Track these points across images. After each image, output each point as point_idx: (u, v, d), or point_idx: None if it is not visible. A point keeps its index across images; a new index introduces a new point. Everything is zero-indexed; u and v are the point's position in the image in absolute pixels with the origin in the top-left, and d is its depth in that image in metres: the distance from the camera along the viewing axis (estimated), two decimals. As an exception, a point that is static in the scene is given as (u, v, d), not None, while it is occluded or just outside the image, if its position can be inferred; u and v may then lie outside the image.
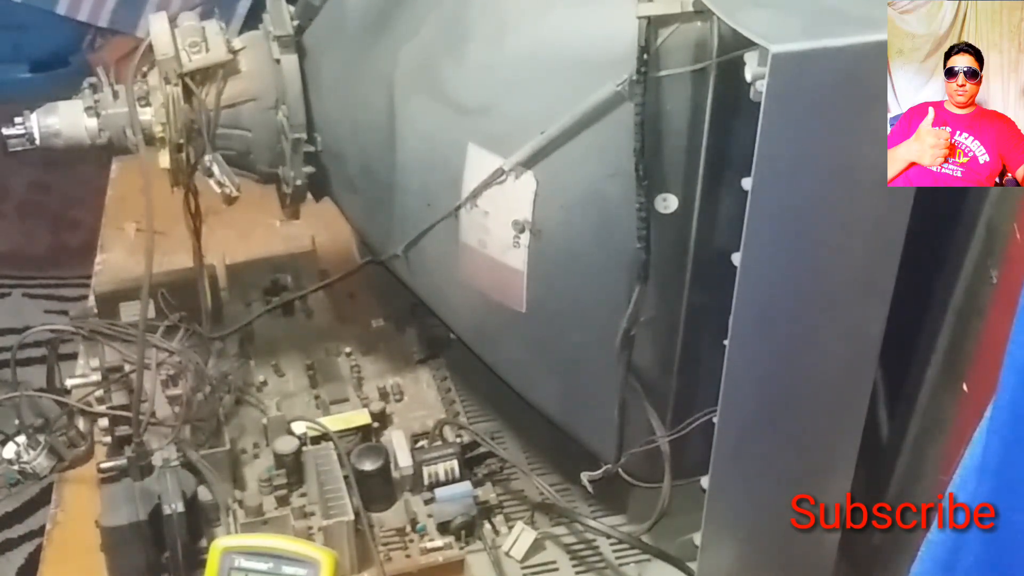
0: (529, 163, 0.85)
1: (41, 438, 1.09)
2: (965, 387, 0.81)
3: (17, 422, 1.08)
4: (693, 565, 0.91)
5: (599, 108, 0.80)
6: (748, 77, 0.72)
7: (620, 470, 0.93)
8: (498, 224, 0.88)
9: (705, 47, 0.77)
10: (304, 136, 1.01)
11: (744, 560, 0.88)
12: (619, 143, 0.79)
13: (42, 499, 1.15)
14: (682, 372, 0.89)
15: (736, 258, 0.76)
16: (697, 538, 0.87)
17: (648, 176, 0.80)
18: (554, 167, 0.84)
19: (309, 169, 1.02)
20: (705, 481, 0.84)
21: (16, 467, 1.08)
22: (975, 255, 0.81)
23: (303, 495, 1.04)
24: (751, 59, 0.72)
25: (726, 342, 0.79)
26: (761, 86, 0.70)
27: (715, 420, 0.82)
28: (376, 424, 1.10)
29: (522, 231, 0.87)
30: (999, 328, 0.72)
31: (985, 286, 0.79)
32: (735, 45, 0.74)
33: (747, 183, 0.73)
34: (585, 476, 0.94)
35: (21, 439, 1.08)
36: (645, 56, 0.77)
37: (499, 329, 0.96)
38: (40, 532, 1.10)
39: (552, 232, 0.87)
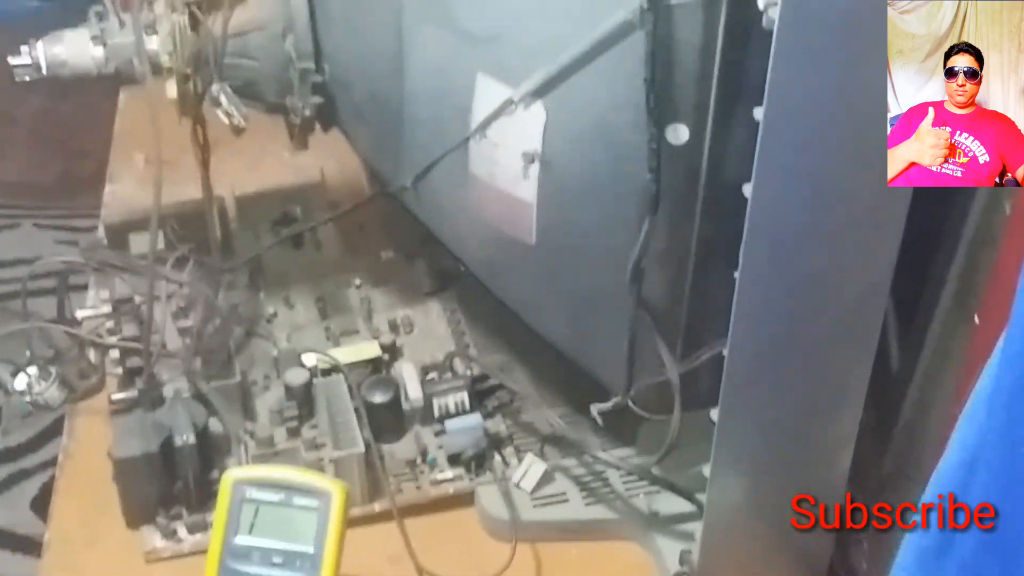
0: (539, 93, 0.84)
1: (52, 369, 1.09)
2: (977, 319, 0.80)
3: (28, 353, 1.09)
4: (702, 497, 0.91)
5: (609, 37, 0.79)
6: (761, 4, 0.71)
7: (630, 402, 0.93)
8: (507, 155, 0.87)
9: (717, -27, 0.76)
10: (312, 66, 0.99)
11: (753, 491, 0.89)
12: (630, 73, 0.78)
13: (54, 430, 1.15)
14: (692, 304, 0.89)
15: (747, 189, 0.75)
16: (706, 470, 0.87)
17: (659, 106, 0.78)
18: (564, 97, 0.83)
19: (317, 99, 1.01)
20: (715, 413, 0.84)
21: (28, 398, 1.09)
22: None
23: (314, 427, 1.04)
24: (764, -15, 0.71)
25: (736, 274, 0.78)
26: (774, 13, 0.69)
27: (725, 353, 0.82)
28: (386, 356, 1.10)
29: (531, 162, 0.86)
30: (1011, 259, 0.71)
31: (998, 216, 0.78)
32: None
33: (759, 113, 0.72)
34: (595, 408, 0.94)
35: (32, 370, 1.09)
36: (656, -17, 0.75)
37: (509, 261, 0.96)
38: (53, 463, 1.10)
39: (562, 163, 0.86)
